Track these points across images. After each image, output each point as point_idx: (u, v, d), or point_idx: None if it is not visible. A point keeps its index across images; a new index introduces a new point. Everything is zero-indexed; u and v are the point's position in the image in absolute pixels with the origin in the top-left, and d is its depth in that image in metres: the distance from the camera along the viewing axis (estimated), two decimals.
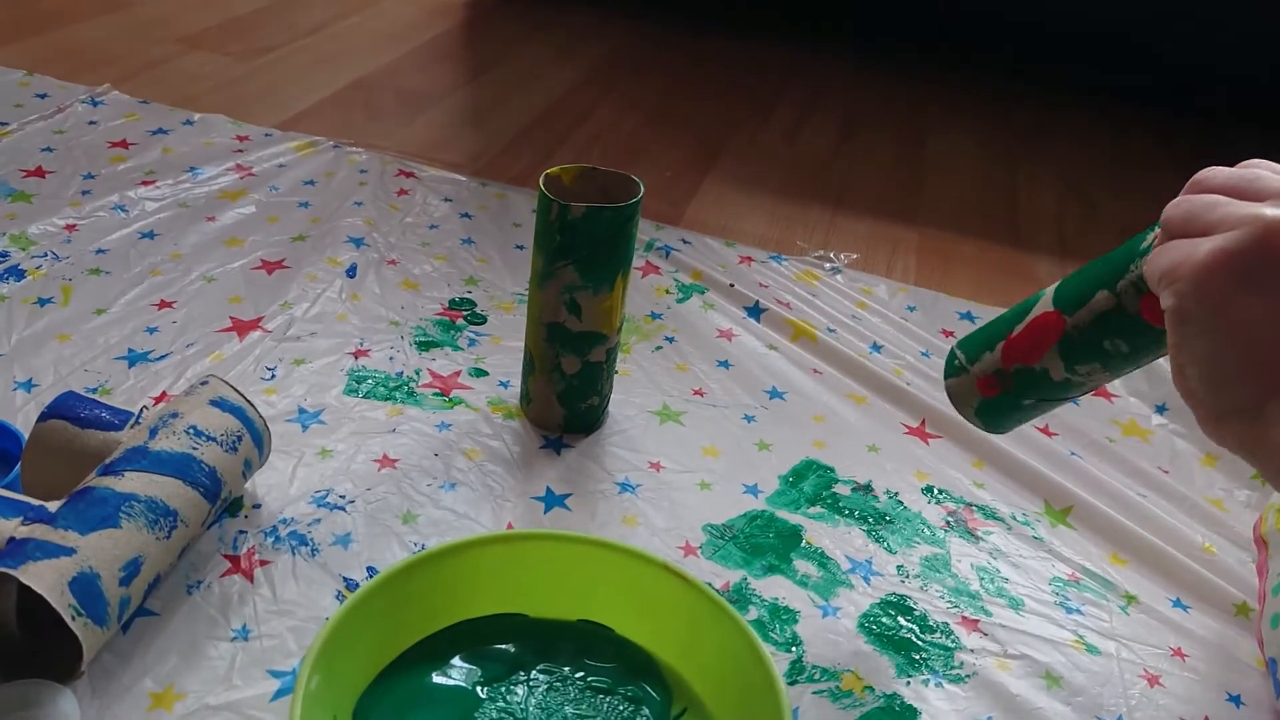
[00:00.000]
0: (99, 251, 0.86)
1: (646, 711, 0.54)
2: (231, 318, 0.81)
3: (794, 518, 0.70)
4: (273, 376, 0.75)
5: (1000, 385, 0.53)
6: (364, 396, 0.75)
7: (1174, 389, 0.86)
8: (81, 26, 1.34)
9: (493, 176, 1.10)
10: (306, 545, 0.62)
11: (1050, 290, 0.51)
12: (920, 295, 0.99)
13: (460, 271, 0.92)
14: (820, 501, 0.71)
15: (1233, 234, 0.39)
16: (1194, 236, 0.41)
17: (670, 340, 0.87)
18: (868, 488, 0.73)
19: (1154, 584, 0.69)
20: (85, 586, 0.49)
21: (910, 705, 0.58)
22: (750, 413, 0.79)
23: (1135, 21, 1.51)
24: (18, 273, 0.82)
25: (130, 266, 0.85)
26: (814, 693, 0.58)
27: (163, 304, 0.81)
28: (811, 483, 0.73)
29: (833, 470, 0.74)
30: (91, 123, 1.07)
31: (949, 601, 0.65)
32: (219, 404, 0.61)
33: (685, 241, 1.02)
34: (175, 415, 0.59)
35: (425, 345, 0.81)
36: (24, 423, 0.66)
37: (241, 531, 0.62)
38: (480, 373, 0.79)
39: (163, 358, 0.75)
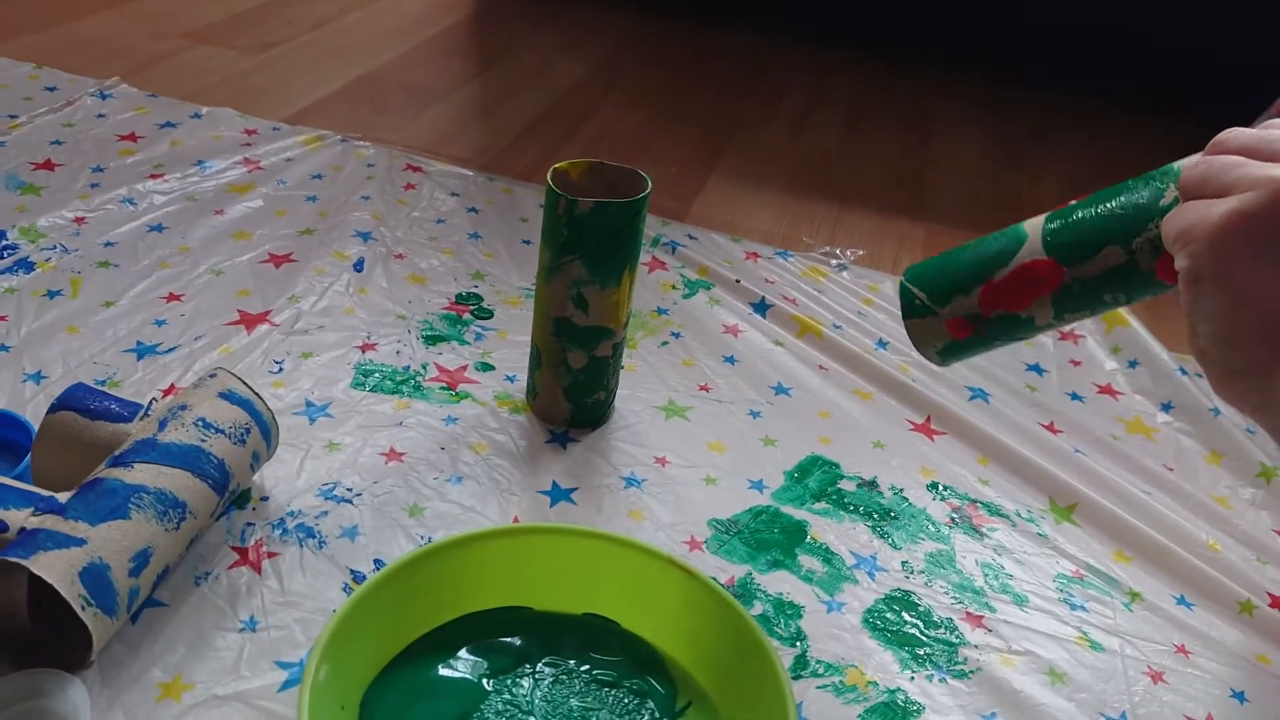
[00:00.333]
0: (108, 244, 0.87)
1: (651, 705, 0.54)
2: (239, 311, 0.81)
3: (799, 513, 0.70)
4: (280, 369, 0.75)
5: (973, 328, 0.51)
6: (371, 390, 0.75)
7: (1179, 387, 0.86)
8: (90, 20, 1.34)
9: (500, 171, 1.10)
10: (314, 537, 0.62)
11: (1034, 233, 0.49)
12: None
13: (467, 266, 0.92)
14: (825, 497, 0.72)
15: (1249, 195, 0.39)
16: (1210, 198, 0.40)
17: (676, 336, 0.87)
18: (873, 483, 0.74)
19: (1158, 581, 0.69)
20: (95, 577, 0.49)
21: (914, 700, 0.58)
22: (756, 408, 0.79)
23: (1135, 20, 1.51)
24: (27, 265, 0.82)
25: (139, 259, 0.85)
26: (818, 687, 0.58)
27: (171, 297, 0.82)
28: (816, 478, 0.73)
29: (838, 466, 0.75)
30: (100, 116, 1.08)
31: (953, 597, 0.65)
32: (227, 396, 0.61)
33: (691, 237, 1.02)
34: (184, 407, 0.59)
35: (432, 339, 0.81)
36: (34, 414, 0.66)
37: (249, 523, 0.62)
38: (487, 367, 0.79)
39: (171, 350, 0.76)
